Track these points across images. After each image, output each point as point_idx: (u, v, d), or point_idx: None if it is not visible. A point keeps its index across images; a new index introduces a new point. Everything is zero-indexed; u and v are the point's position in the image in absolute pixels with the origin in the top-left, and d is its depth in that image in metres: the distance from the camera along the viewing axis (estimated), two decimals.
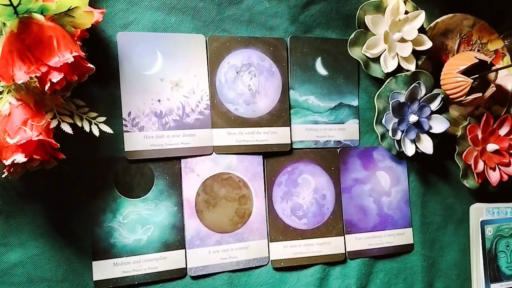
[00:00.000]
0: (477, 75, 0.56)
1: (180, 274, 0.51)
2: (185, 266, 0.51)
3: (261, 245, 0.54)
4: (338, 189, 0.58)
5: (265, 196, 0.55)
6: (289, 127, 0.55)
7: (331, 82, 0.57)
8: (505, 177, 0.61)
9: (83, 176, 0.48)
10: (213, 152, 0.53)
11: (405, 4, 0.55)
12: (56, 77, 0.36)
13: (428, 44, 0.56)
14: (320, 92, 0.57)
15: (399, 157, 0.60)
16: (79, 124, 0.43)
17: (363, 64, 0.57)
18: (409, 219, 0.61)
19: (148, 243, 0.50)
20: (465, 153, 0.60)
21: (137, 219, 0.50)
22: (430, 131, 0.57)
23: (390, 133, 0.56)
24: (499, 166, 0.62)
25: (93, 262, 0.48)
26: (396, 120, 0.56)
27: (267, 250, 0.54)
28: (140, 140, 0.49)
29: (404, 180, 0.61)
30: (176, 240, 0.51)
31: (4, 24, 0.37)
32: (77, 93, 0.45)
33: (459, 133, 0.61)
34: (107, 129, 0.45)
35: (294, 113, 0.56)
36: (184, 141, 0.51)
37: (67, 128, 0.41)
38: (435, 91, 0.57)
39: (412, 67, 0.56)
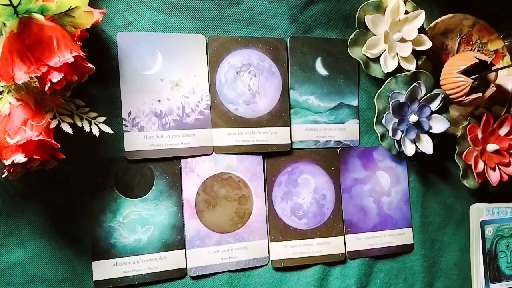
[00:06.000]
0: (477, 75, 0.56)
1: (180, 274, 0.51)
2: (185, 266, 0.51)
3: (261, 245, 0.54)
4: (338, 189, 0.58)
5: (265, 196, 0.55)
6: (289, 127, 0.55)
7: (331, 82, 0.57)
8: (505, 177, 0.61)
9: (83, 176, 0.48)
10: (213, 152, 0.53)
11: (405, 4, 0.55)
12: (56, 77, 0.36)
13: (428, 44, 0.56)
14: (320, 92, 0.57)
15: (399, 157, 0.60)
16: (79, 124, 0.43)
17: (363, 64, 0.57)
18: (409, 219, 0.61)
19: (148, 243, 0.50)
20: (465, 153, 0.60)
21: (137, 219, 0.50)
22: (430, 131, 0.57)
23: (390, 133, 0.56)
24: (499, 166, 0.62)
25: (93, 262, 0.48)
26: (396, 120, 0.56)
27: (267, 250, 0.54)
28: (140, 140, 0.49)
29: (404, 180, 0.61)
30: (176, 240, 0.51)
31: (4, 24, 0.37)
32: (77, 93, 0.45)
33: (459, 133, 0.61)
34: (107, 129, 0.45)
35: (294, 113, 0.56)
36: (184, 141, 0.51)
37: (67, 128, 0.41)
38: (435, 91, 0.57)
39: (412, 67, 0.56)
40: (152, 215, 0.50)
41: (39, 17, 0.37)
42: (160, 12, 0.51)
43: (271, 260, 0.55)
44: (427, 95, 0.56)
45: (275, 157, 0.55)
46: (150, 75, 0.50)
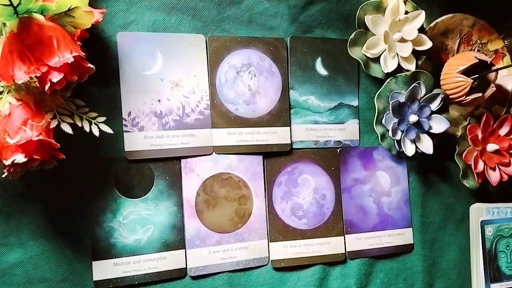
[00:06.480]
0: (477, 75, 0.56)
1: (180, 274, 0.51)
2: (185, 266, 0.51)
3: (261, 245, 0.54)
4: (338, 189, 0.58)
5: (265, 196, 0.55)
6: (289, 127, 0.55)
7: (331, 82, 0.57)
8: (505, 177, 0.61)
9: (83, 176, 0.48)
10: (213, 152, 0.53)
11: (405, 4, 0.55)
12: (56, 77, 0.36)
13: (428, 44, 0.56)
14: (320, 92, 0.57)
15: (399, 157, 0.60)
16: (79, 124, 0.43)
17: (363, 64, 0.57)
18: (409, 219, 0.61)
19: (148, 243, 0.50)
20: (465, 153, 0.60)
21: (137, 219, 0.50)
22: (430, 131, 0.57)
23: (390, 133, 0.56)
24: (499, 166, 0.62)
25: (93, 262, 0.48)
26: (396, 120, 0.56)
27: (267, 250, 0.54)
28: (140, 140, 0.49)
29: (404, 180, 0.61)
30: (176, 240, 0.51)
31: (4, 24, 0.37)
32: (77, 93, 0.45)
33: (459, 133, 0.61)
34: (107, 129, 0.45)
35: (294, 113, 0.56)
36: (184, 141, 0.51)
37: (67, 128, 0.41)
38: (435, 91, 0.57)
39: (412, 67, 0.56)
40: (152, 215, 0.50)
41: (39, 17, 0.37)
42: (160, 12, 0.51)
43: (271, 260, 0.55)
44: (427, 95, 0.56)
45: (275, 157, 0.55)
46: (150, 75, 0.50)
